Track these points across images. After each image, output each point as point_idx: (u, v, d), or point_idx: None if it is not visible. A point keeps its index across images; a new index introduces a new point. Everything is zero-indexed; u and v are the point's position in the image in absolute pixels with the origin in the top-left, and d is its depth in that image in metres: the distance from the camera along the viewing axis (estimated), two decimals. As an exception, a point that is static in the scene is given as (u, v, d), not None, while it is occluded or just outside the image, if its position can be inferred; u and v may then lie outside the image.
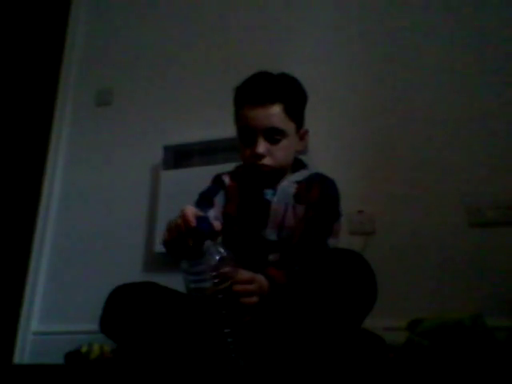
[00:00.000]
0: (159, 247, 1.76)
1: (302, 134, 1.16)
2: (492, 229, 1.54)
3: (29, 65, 2.43)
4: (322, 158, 1.71)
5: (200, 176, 1.23)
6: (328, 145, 1.76)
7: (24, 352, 1.87)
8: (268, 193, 1.11)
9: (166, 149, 1.93)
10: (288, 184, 1.12)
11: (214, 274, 0.77)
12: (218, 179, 1.19)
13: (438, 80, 1.75)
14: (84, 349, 1.55)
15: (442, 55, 1.78)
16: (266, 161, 1.07)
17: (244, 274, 0.84)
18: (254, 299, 0.84)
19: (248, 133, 1.08)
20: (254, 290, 0.85)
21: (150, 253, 1.85)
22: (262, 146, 1.06)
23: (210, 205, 1.11)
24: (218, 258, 0.78)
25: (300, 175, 1.15)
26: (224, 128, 1.73)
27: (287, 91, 1.10)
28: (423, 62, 1.79)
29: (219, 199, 1.14)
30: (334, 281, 0.84)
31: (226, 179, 1.18)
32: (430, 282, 1.53)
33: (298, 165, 1.18)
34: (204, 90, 2.04)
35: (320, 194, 1.10)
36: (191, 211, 0.81)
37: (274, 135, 1.07)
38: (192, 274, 0.79)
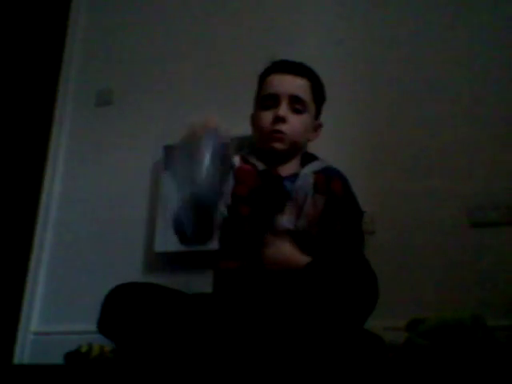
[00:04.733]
0: (159, 247, 1.77)
1: (316, 125, 1.18)
2: (492, 229, 1.53)
3: (29, 65, 2.43)
4: (321, 158, 1.70)
5: (200, 176, 1.23)
6: (328, 144, 1.75)
7: (24, 352, 1.87)
8: (286, 182, 1.10)
9: (167, 149, 1.93)
10: (307, 173, 1.12)
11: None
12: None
13: (440, 79, 1.75)
14: (84, 349, 1.55)
15: (444, 54, 1.77)
16: (285, 128, 1.07)
17: None
18: None
19: (271, 99, 1.09)
20: None
21: (149, 253, 1.85)
22: (284, 110, 1.07)
23: None
24: None
25: (316, 165, 1.15)
26: (223, 125, 1.73)
27: (315, 76, 1.15)
28: (425, 61, 1.79)
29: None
30: (334, 281, 0.84)
31: (236, 160, 1.15)
32: (430, 282, 1.53)
33: (309, 157, 1.19)
34: (204, 90, 2.04)
35: (343, 189, 1.11)
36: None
37: (296, 105, 1.09)
38: None
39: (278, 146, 1.09)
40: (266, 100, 1.11)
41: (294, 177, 1.11)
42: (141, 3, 2.32)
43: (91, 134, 2.17)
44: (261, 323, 0.88)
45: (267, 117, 1.09)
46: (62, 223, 2.06)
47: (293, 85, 1.09)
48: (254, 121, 1.16)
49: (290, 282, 0.90)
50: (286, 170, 1.13)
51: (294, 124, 1.08)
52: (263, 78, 1.15)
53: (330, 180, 1.10)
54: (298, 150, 1.15)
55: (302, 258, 0.96)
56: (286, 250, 1.00)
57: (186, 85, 2.09)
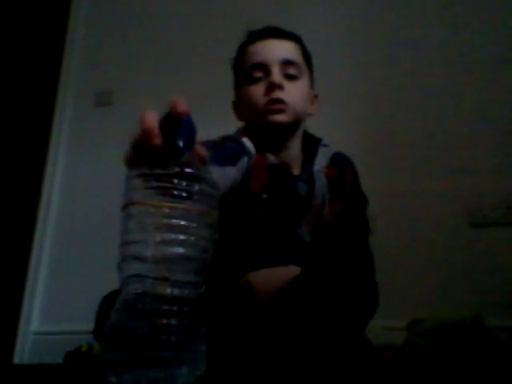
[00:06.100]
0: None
1: (312, 97, 1.00)
2: (492, 229, 1.54)
3: (29, 66, 2.43)
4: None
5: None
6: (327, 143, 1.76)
7: (24, 352, 1.87)
8: (299, 184, 0.95)
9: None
10: (320, 170, 0.96)
11: None
12: (236, 141, 0.94)
13: (441, 79, 1.75)
14: (84, 348, 1.56)
15: (446, 52, 1.77)
16: (283, 95, 0.89)
17: None
18: None
19: (259, 69, 0.91)
20: None
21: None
22: (278, 76, 0.89)
23: (233, 163, 0.85)
24: None
25: (324, 156, 0.99)
26: (223, 128, 1.73)
27: (301, 39, 0.99)
28: (426, 59, 1.79)
29: (241, 165, 0.88)
30: (334, 284, 0.84)
31: (250, 145, 0.94)
32: (430, 282, 1.53)
33: (311, 140, 1.03)
34: (203, 91, 2.04)
35: (353, 178, 0.98)
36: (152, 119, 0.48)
37: (290, 69, 0.91)
38: None
39: (281, 118, 0.90)
40: (251, 71, 0.92)
41: (304, 175, 0.96)
42: (140, 5, 2.32)
43: (91, 134, 2.17)
44: (258, 326, 0.88)
45: (259, 90, 0.91)
46: (62, 222, 2.06)
47: (282, 48, 0.93)
48: (242, 100, 0.97)
49: (281, 296, 0.87)
50: (292, 156, 0.97)
51: (292, 91, 0.90)
52: (243, 49, 0.98)
53: (344, 175, 0.97)
54: (300, 125, 0.97)
55: (293, 270, 0.85)
56: (270, 274, 0.86)
57: (185, 85, 2.09)
